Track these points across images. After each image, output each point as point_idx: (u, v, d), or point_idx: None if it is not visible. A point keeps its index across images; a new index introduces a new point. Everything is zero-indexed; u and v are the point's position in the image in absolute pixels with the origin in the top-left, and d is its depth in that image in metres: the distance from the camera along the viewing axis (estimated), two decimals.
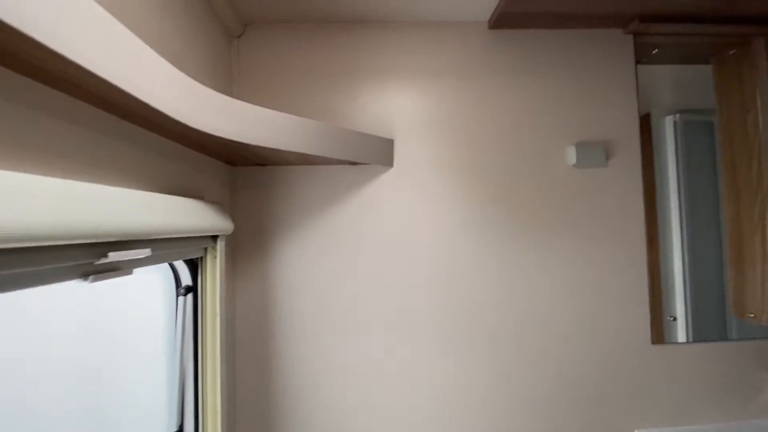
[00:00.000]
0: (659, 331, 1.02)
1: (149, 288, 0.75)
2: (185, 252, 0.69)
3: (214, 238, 0.77)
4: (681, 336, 1.02)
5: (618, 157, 1.04)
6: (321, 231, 1.00)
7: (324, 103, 1.02)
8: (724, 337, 1.03)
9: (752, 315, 1.04)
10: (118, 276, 0.50)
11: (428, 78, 1.03)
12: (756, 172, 1.07)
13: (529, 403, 0.99)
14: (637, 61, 1.06)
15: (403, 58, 1.03)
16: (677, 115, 1.09)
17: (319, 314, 0.98)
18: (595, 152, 1.01)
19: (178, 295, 0.74)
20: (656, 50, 1.07)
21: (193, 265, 0.76)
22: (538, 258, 1.01)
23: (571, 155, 1.02)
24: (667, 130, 1.09)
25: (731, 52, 1.09)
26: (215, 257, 0.77)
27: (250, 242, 0.98)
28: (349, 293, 0.99)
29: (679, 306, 1.04)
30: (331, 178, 1.01)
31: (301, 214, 0.99)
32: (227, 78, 0.97)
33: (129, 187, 0.51)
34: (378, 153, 0.97)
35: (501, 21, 1.00)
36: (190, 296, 0.75)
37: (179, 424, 0.74)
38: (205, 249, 0.76)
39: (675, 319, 1.02)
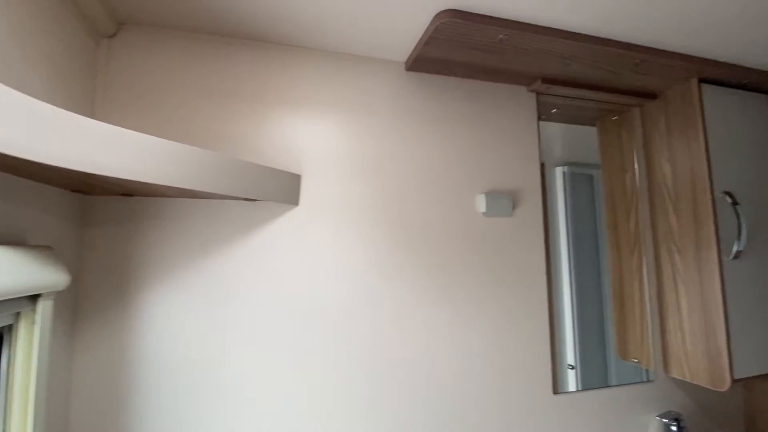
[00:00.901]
0: (558, 381, 1.04)
1: None
2: None
3: (34, 298, 0.56)
4: (572, 384, 1.05)
5: (523, 207, 1.07)
6: (203, 278, 0.82)
7: (221, 129, 0.87)
8: (605, 383, 1.09)
9: (636, 360, 1.12)
10: None
11: (342, 112, 0.96)
12: (633, 225, 1.19)
13: None
14: (539, 118, 1.13)
15: (316, 89, 0.95)
16: (565, 167, 1.17)
17: (193, 388, 0.79)
18: (503, 202, 1.03)
19: None
20: (555, 110, 1.15)
21: None
22: (450, 311, 0.97)
23: (481, 203, 1.02)
24: (558, 179, 1.16)
25: (614, 118, 1.23)
26: (33, 324, 0.55)
27: (103, 293, 0.76)
28: (236, 359, 0.82)
29: (571, 354, 1.07)
30: (220, 214, 0.85)
31: (178, 257, 0.81)
32: (89, 87, 0.77)
33: None
34: (282, 189, 0.85)
35: (418, 64, 0.98)
36: None
37: None
38: (17, 315, 0.55)
39: (573, 367, 1.05)
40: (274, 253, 0.87)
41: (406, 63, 1.00)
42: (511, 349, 1.00)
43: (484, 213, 1.02)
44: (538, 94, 1.13)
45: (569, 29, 0.87)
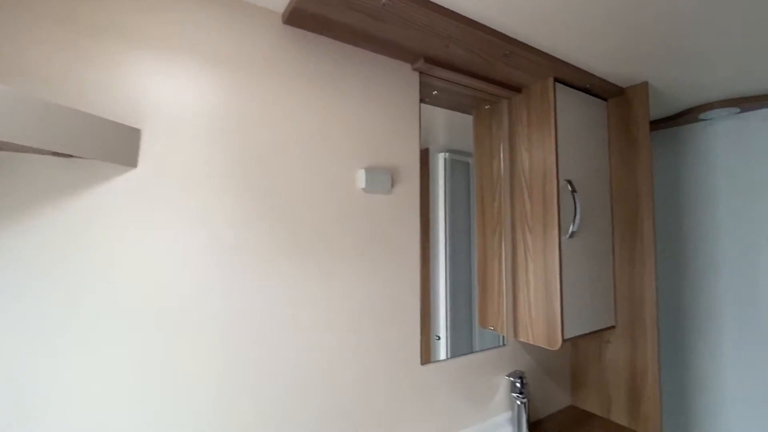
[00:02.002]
0: (428, 352, 1.09)
1: None
2: None
3: None
4: (442, 353, 1.12)
5: (401, 185, 1.07)
6: None
7: (35, 68, 0.65)
8: (470, 349, 1.19)
9: (492, 328, 1.25)
10: None
11: (203, 62, 0.80)
12: (497, 208, 1.31)
13: None
14: (421, 99, 1.14)
15: (170, 28, 0.77)
16: (446, 153, 1.22)
17: None
18: (383, 178, 1.01)
19: None
20: (435, 92, 1.17)
21: None
22: (324, 286, 0.92)
23: (361, 179, 0.98)
24: (440, 164, 1.20)
25: (486, 107, 1.31)
26: None
27: None
28: (44, 371, 0.63)
29: (442, 325, 1.14)
30: (19, 174, 0.64)
31: None
32: None
33: None
34: (111, 145, 0.67)
35: (296, 18, 0.88)
36: None
37: None
38: None
39: (440, 338, 1.12)
40: (102, 229, 0.69)
41: (283, 15, 0.89)
42: (383, 325, 1.00)
43: (363, 189, 0.99)
44: (420, 73, 1.13)
45: (447, 6, 0.87)
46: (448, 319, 1.16)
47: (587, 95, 1.32)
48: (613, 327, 1.34)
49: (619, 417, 1.32)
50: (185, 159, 0.78)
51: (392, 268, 1.03)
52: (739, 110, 1.45)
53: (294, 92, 0.91)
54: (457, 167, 1.25)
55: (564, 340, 1.13)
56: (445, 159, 1.23)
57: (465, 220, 1.25)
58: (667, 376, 1.64)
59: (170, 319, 0.74)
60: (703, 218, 1.59)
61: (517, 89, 1.29)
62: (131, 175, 0.72)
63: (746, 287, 1.47)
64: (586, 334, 1.34)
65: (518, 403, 1.17)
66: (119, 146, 0.69)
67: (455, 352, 1.15)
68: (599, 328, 1.27)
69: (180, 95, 0.78)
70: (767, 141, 1.44)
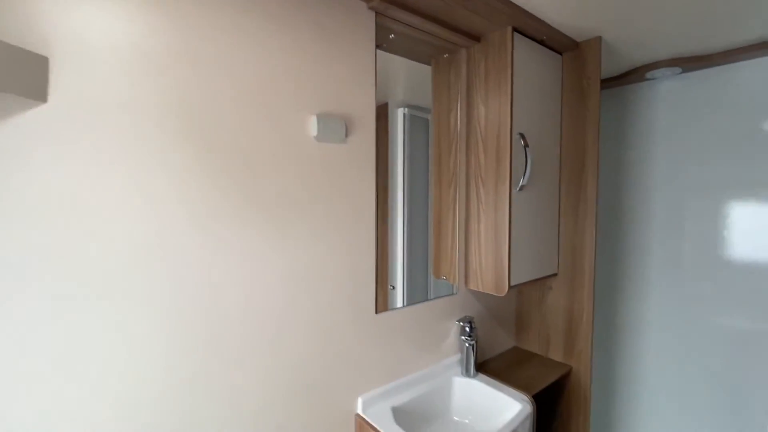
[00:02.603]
0: (383, 301, 1.11)
1: None
2: None
3: None
4: (398, 302, 1.16)
5: (356, 135, 1.03)
6: None
7: None
8: (425, 298, 1.23)
9: (445, 277, 1.29)
10: None
11: None
12: (453, 161, 1.31)
13: (262, 388, 0.88)
14: (378, 45, 1.08)
15: None
16: (406, 109, 1.19)
17: None
18: (336, 127, 0.97)
19: None
20: (393, 36, 1.11)
21: None
22: (275, 238, 0.89)
23: (312, 126, 0.93)
24: (399, 120, 1.17)
25: (445, 56, 1.27)
26: None
27: None
28: None
29: (399, 276, 1.16)
30: None
31: None
32: None
33: None
34: (13, 74, 0.58)
35: None
36: None
37: None
38: None
39: (394, 287, 1.14)
40: (6, 173, 0.61)
41: None
42: (338, 276, 1.00)
43: (315, 137, 0.94)
44: (377, 13, 1.06)
45: None
46: (405, 270, 1.18)
47: (543, 48, 1.32)
48: (555, 275, 1.44)
49: (556, 354, 1.46)
50: (112, 94, 0.69)
51: (348, 220, 1.02)
52: (681, 70, 1.52)
53: (238, 30, 0.82)
54: (417, 123, 1.23)
55: (510, 287, 1.20)
56: (404, 114, 1.20)
57: (423, 175, 1.25)
58: (599, 315, 1.82)
59: (90, 271, 0.69)
60: (641, 175, 1.70)
61: (476, 38, 1.25)
62: (41, 110, 0.63)
63: (672, 239, 1.62)
64: (530, 282, 1.43)
65: (467, 345, 1.25)
66: (23, 76, 0.59)
67: (410, 300, 1.19)
68: (543, 275, 1.36)
69: (98, 19, 0.67)
70: (703, 102, 1.54)
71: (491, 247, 1.24)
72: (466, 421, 1.19)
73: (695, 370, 1.58)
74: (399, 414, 1.07)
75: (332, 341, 1.00)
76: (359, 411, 1.05)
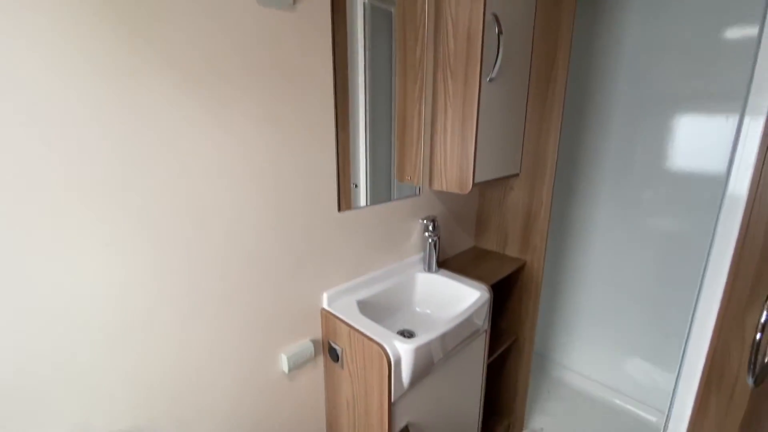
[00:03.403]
0: (346, 199, 1.07)
1: None
2: None
3: None
4: (362, 201, 1.11)
5: (306, 2, 0.87)
6: None
7: None
8: (388, 198, 1.20)
9: (409, 177, 1.25)
10: None
11: None
12: (419, 54, 1.19)
13: (222, 286, 0.84)
14: None
15: None
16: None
17: None
18: None
19: None
20: None
21: None
22: (219, 129, 0.78)
23: None
24: (358, 11, 1.02)
25: None
26: None
27: None
28: None
29: (362, 175, 1.11)
30: None
31: None
32: None
33: None
34: None
35: None
36: None
37: None
38: None
39: (357, 186, 1.09)
40: None
41: None
42: (295, 170, 0.93)
43: (258, 1, 0.78)
44: None
45: None
46: (368, 169, 1.12)
47: None
48: (516, 175, 1.44)
49: (512, 251, 1.54)
50: None
51: (303, 106, 0.91)
52: None
53: None
54: (378, 15, 1.07)
55: (474, 184, 1.19)
56: (364, 4, 1.03)
57: (386, 73, 1.13)
58: (553, 214, 1.91)
59: None
60: (606, 82, 1.67)
61: None
62: None
63: (625, 149, 1.66)
64: (493, 180, 1.43)
65: (430, 241, 1.27)
66: None
67: (374, 200, 1.15)
68: (505, 174, 1.36)
69: None
70: (672, 10, 1.46)
71: (457, 143, 1.20)
72: (428, 311, 1.25)
73: (631, 264, 1.75)
74: (364, 306, 1.09)
75: (294, 238, 0.95)
76: (324, 305, 1.06)
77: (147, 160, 0.69)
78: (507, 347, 1.55)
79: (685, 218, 1.57)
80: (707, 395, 1.12)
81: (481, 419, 1.37)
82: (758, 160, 0.94)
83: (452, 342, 1.03)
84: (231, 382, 0.91)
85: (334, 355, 1.03)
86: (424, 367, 0.96)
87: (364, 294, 1.13)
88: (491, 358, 1.37)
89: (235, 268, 0.86)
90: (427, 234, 1.27)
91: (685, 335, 1.59)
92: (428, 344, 0.93)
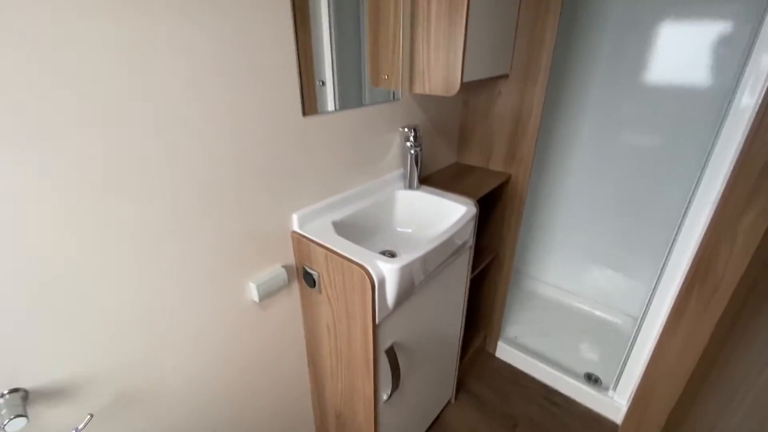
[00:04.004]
0: (311, 101, 0.88)
1: None
2: None
3: None
4: (330, 104, 0.93)
5: None
6: None
7: None
8: (360, 103, 1.02)
9: (386, 76, 1.06)
10: None
11: None
12: None
13: (172, 217, 0.69)
14: None
15: None
16: None
17: None
18: None
19: None
20: None
21: None
22: (170, 32, 0.55)
23: None
24: None
25: None
26: None
27: None
28: None
29: (328, 70, 0.91)
30: None
31: None
32: None
33: None
34: None
35: None
36: None
37: None
38: None
39: (323, 83, 0.90)
40: None
41: None
42: (247, 70, 0.72)
43: None
44: None
45: None
46: (335, 68, 0.92)
47: None
48: (506, 76, 1.27)
49: (496, 165, 1.43)
50: None
51: (250, 7, 0.68)
52: None
53: None
54: None
55: (462, 84, 1.02)
56: None
57: None
58: (543, 124, 1.80)
59: None
60: None
61: None
62: None
63: (615, 59, 1.49)
64: (480, 84, 1.26)
65: (412, 152, 1.12)
66: None
67: (344, 104, 0.97)
68: (494, 74, 1.19)
69: None
70: None
71: (443, 36, 1.00)
72: (410, 230, 1.16)
73: (608, 179, 1.70)
74: (340, 227, 0.98)
75: (253, 152, 0.78)
76: (295, 228, 0.93)
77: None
78: (488, 263, 1.53)
79: (668, 134, 1.50)
80: (688, 296, 1.14)
81: (462, 332, 1.37)
82: None
83: (438, 260, 0.95)
84: (195, 316, 0.80)
85: (310, 280, 0.93)
86: (409, 287, 0.88)
87: (340, 214, 1.00)
88: (473, 275, 1.34)
89: (186, 194, 0.69)
90: (408, 144, 1.12)
91: (671, 240, 1.61)
92: (413, 263, 0.84)
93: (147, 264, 0.69)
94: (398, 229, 1.16)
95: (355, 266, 0.79)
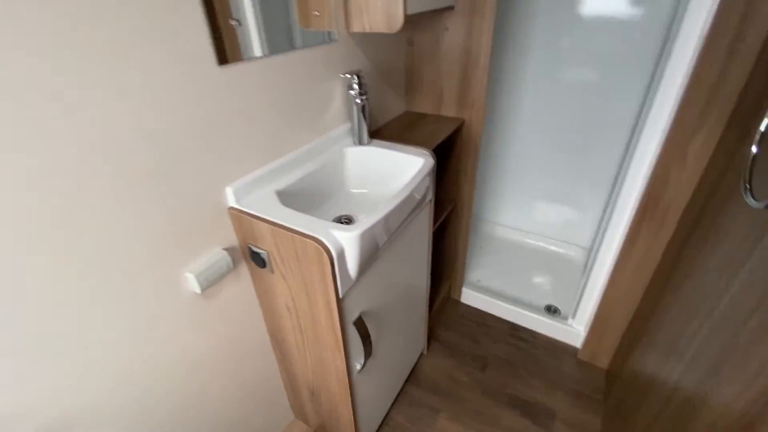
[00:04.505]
0: (229, 47, 0.72)
1: None
2: None
3: None
4: (255, 49, 0.77)
5: None
6: None
7: None
8: (291, 46, 0.86)
9: (317, 13, 0.90)
10: None
11: None
12: None
13: (84, 201, 0.54)
14: None
15: None
16: None
17: None
18: None
19: None
20: None
21: None
22: None
23: None
24: None
25: None
26: None
27: None
28: None
29: (246, 10, 0.73)
30: None
31: None
32: None
33: None
34: None
35: None
36: None
37: None
38: None
39: (239, 23, 0.73)
40: None
41: None
42: (125, 4, 0.54)
43: None
44: None
45: None
46: (257, 6, 0.75)
47: None
48: (452, 8, 1.15)
49: (449, 110, 1.34)
50: None
51: None
52: None
53: None
54: None
55: (406, 18, 0.89)
56: None
57: None
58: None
59: None
60: None
61: None
62: None
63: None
64: (425, 19, 1.14)
65: (358, 102, 1.00)
66: None
67: (273, 49, 0.81)
68: (441, 5, 1.06)
69: None
70: None
71: None
72: (365, 190, 1.06)
73: (556, 116, 1.68)
74: (286, 197, 0.86)
75: (159, 120, 0.62)
76: (232, 203, 0.80)
77: None
78: (448, 213, 1.49)
79: (612, 66, 1.48)
80: (640, 220, 1.18)
81: (428, 285, 1.35)
82: None
83: (398, 219, 0.87)
84: (128, 325, 0.67)
85: (258, 260, 0.82)
86: (372, 253, 0.80)
87: (284, 182, 0.88)
88: (435, 228, 1.29)
89: (87, 180, 0.53)
90: (352, 93, 0.99)
91: (617, 171, 1.65)
92: (373, 228, 0.75)
93: (53, 269, 0.54)
94: (352, 191, 1.06)
95: (308, 240, 0.69)
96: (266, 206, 0.79)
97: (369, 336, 0.89)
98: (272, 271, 0.83)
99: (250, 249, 0.82)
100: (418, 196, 0.94)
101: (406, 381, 1.44)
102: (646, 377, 0.96)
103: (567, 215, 1.92)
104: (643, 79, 1.45)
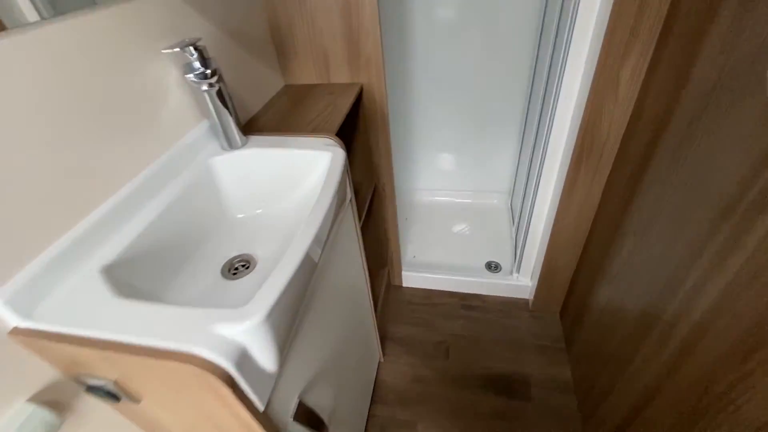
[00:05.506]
0: None
1: None
2: None
3: None
4: (29, 13, 0.38)
5: None
6: None
7: None
8: (79, 6, 0.48)
9: None
10: None
11: None
12: None
13: None
14: None
15: None
16: None
17: None
18: None
19: None
20: None
21: None
22: None
23: None
24: None
25: None
26: None
27: None
28: None
29: None
30: None
31: None
32: None
33: None
34: None
35: None
36: None
37: None
38: None
39: None
40: None
41: None
42: None
43: None
44: None
45: None
46: None
47: None
48: None
49: (340, 76, 1.05)
50: None
51: None
52: None
53: None
54: None
55: None
56: None
57: None
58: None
59: None
60: None
61: None
62: None
63: None
64: None
65: (205, 89, 0.65)
66: None
67: (55, 8, 0.42)
68: None
69: None
70: None
71: None
72: (258, 211, 0.75)
73: (459, 64, 1.50)
74: (123, 273, 0.51)
75: None
76: (15, 322, 0.44)
77: None
78: (370, 199, 1.24)
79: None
80: (578, 164, 1.06)
81: (369, 288, 1.12)
82: None
83: (318, 246, 0.59)
84: None
85: (105, 395, 0.48)
86: (292, 319, 0.53)
87: (113, 247, 0.53)
88: (362, 223, 1.04)
89: None
90: (192, 78, 0.64)
91: (525, 105, 1.53)
92: (286, 287, 0.47)
93: None
94: (239, 217, 0.74)
95: (175, 364, 0.39)
96: (84, 307, 0.45)
97: (319, 419, 0.63)
98: (138, 401, 0.50)
99: (85, 384, 0.47)
100: (337, 198, 0.66)
101: (372, 398, 1.25)
102: (606, 310, 0.94)
103: (483, 162, 1.82)
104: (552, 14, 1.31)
